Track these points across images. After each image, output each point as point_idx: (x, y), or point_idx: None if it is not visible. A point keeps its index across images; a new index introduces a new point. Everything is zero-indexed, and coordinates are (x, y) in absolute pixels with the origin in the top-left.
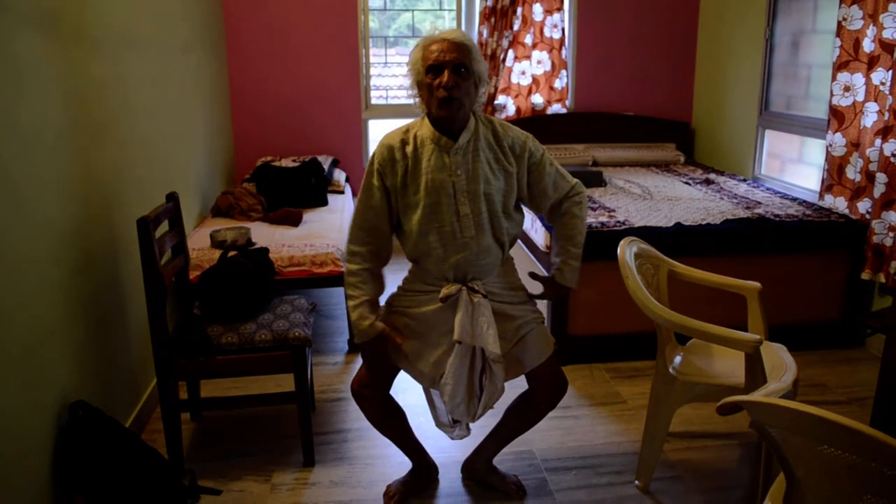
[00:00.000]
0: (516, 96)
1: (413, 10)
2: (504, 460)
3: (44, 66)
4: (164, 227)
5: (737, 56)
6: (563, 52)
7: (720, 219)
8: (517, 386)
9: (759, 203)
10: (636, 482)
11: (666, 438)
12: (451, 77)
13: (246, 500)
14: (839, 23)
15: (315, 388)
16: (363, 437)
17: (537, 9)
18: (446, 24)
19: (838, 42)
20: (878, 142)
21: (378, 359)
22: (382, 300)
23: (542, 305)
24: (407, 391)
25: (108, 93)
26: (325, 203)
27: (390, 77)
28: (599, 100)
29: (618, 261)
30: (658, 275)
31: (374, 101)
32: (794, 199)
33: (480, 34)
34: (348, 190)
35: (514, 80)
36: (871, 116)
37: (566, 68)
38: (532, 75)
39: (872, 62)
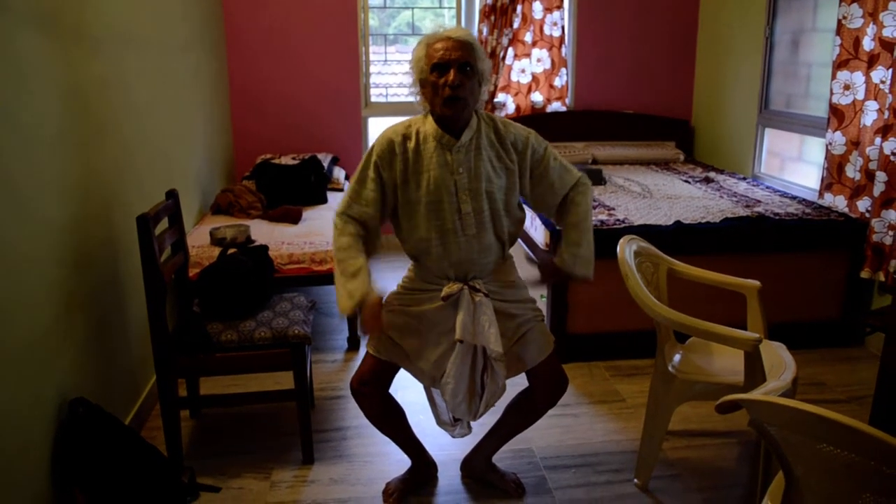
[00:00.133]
0: (516, 94)
1: (413, 8)
2: (503, 458)
3: (44, 64)
4: (164, 224)
5: (737, 54)
6: (563, 50)
7: (720, 217)
8: (517, 384)
9: (759, 201)
10: (635, 480)
11: (665, 437)
12: (456, 76)
13: (245, 497)
14: (839, 21)
15: (314, 385)
16: (362, 435)
17: (537, 7)
18: (446, 21)
19: (838, 40)
20: (877, 140)
21: (376, 316)
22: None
23: (542, 304)
24: (406, 389)
25: (108, 91)
26: (324, 201)
27: (390, 75)
28: (599, 98)
29: (617, 259)
30: (657, 273)
31: (373, 99)
32: (793, 198)
33: (480, 32)
34: (348, 188)
35: (514, 78)
36: (870, 115)
37: (566, 66)
38: (532, 73)
39: (872, 61)
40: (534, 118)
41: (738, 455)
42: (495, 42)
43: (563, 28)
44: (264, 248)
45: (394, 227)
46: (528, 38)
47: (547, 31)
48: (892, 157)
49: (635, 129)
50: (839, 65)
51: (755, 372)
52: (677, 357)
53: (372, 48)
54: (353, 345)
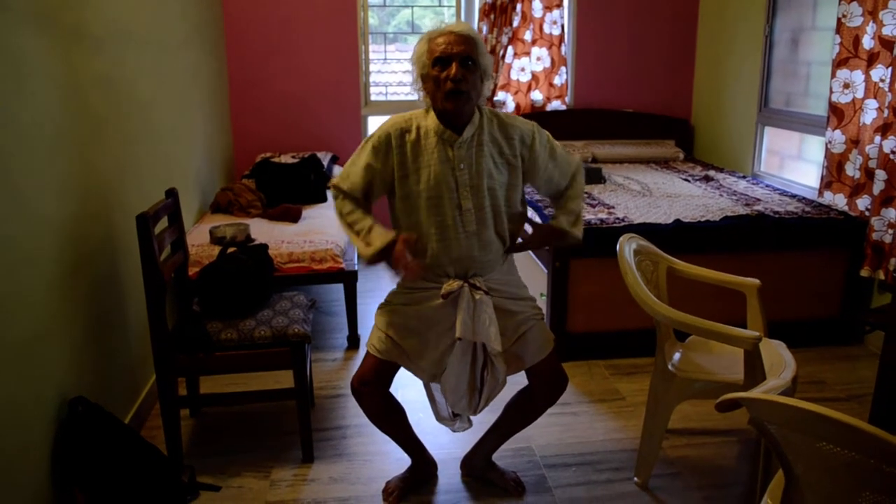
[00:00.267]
0: (516, 93)
1: (412, 7)
2: (503, 457)
3: (43, 63)
4: (164, 223)
5: (736, 53)
6: (563, 48)
7: (719, 215)
8: (516, 382)
9: (759, 200)
10: (635, 479)
11: (665, 435)
12: (458, 70)
13: (245, 496)
14: (839, 19)
15: (314, 384)
16: (362, 434)
17: (537, 5)
18: (445, 20)
19: (838, 39)
20: (877, 139)
21: (403, 255)
22: (381, 299)
23: (542, 303)
24: (406, 387)
25: (107, 90)
26: (324, 199)
27: (389, 73)
28: (599, 96)
29: (617, 257)
30: (657, 271)
31: (373, 98)
32: (793, 196)
33: (480, 30)
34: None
35: (514, 76)
36: (870, 113)
37: (566, 65)
38: (531, 72)
39: (872, 59)
40: (533, 117)
41: (738, 453)
42: (495, 40)
43: (562, 26)
44: (264, 246)
45: (392, 223)
46: (527, 36)
47: (546, 29)
48: (891, 156)
49: (635, 127)
50: (839, 63)
51: (755, 370)
52: (677, 355)
53: (371, 47)
54: (353, 343)
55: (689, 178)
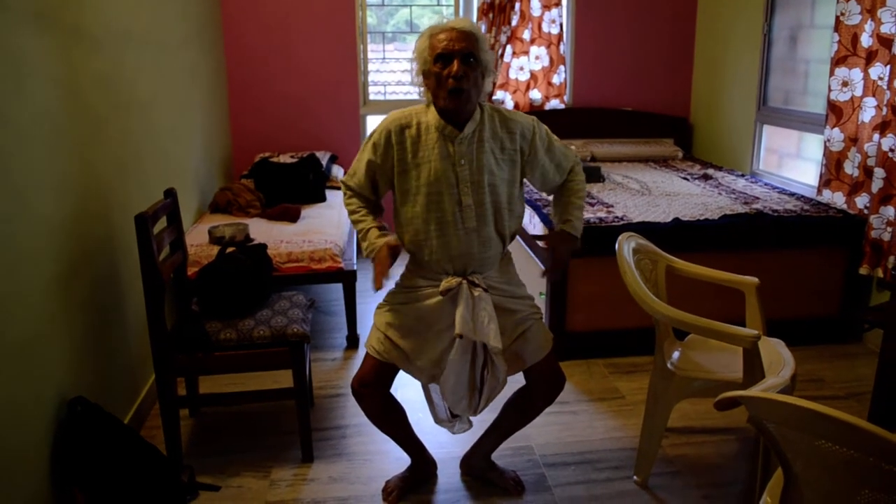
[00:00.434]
0: (514, 92)
1: (411, 6)
2: (502, 456)
3: (42, 62)
4: (163, 223)
5: (735, 51)
6: (562, 47)
7: (718, 214)
8: (515, 381)
9: (757, 198)
10: (634, 477)
11: (664, 434)
12: (460, 66)
13: (244, 495)
14: (837, 18)
15: (313, 384)
16: (362, 433)
17: (535, 4)
18: (444, 19)
19: (836, 37)
20: (876, 137)
21: (382, 261)
22: (380, 298)
23: (541, 302)
24: (406, 387)
25: (106, 90)
26: (323, 199)
27: (388, 73)
28: (598, 95)
29: (616, 256)
30: (656, 270)
31: (372, 97)
32: (792, 195)
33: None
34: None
35: (513, 75)
36: (869, 111)
37: (564, 64)
38: (530, 71)
39: (870, 57)
40: (532, 115)
41: (737, 452)
42: (493, 39)
43: (561, 25)
44: (263, 246)
45: (394, 218)
46: (526, 35)
47: (545, 28)
48: (890, 154)
49: (634, 126)
50: (837, 61)
51: (754, 368)
52: (676, 354)
53: (370, 46)
54: (353, 343)
55: (688, 177)
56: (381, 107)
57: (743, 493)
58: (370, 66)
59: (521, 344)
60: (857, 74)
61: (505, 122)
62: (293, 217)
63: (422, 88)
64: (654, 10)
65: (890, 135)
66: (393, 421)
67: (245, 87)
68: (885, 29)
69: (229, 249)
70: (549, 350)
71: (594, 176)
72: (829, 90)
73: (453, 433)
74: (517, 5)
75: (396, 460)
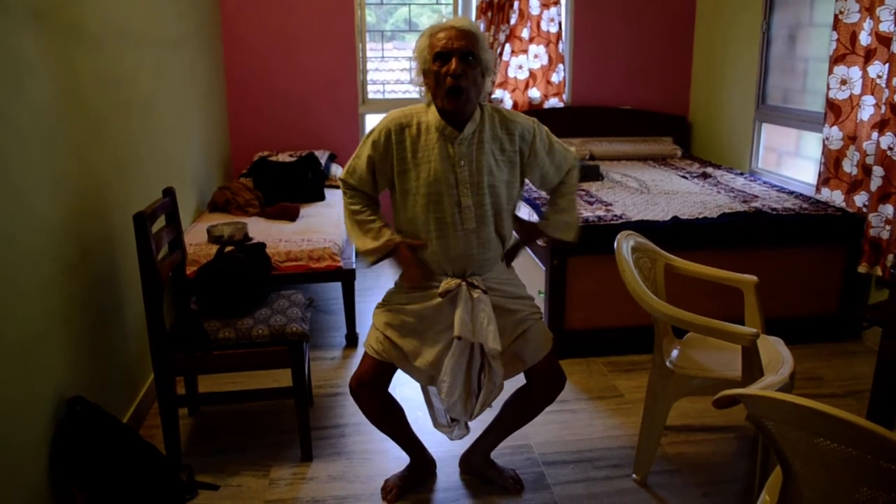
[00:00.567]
0: (513, 90)
1: (410, 5)
2: (502, 454)
3: (41, 62)
4: (161, 222)
5: (734, 49)
6: (560, 45)
7: (717, 212)
8: (515, 381)
9: (756, 196)
10: (633, 476)
11: (663, 432)
12: (458, 65)
13: (244, 494)
14: (836, 16)
15: (312, 383)
16: (361, 432)
17: (534, 3)
18: (443, 17)
19: (835, 35)
20: (874, 135)
21: (412, 258)
22: (379, 297)
23: (540, 301)
24: (405, 385)
25: (105, 89)
26: (322, 198)
27: (387, 72)
28: (596, 94)
29: (615, 255)
30: (655, 268)
31: (371, 96)
32: (790, 193)
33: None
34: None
35: (511, 74)
36: (867, 110)
37: (563, 62)
38: (529, 69)
39: (869, 55)
40: (531, 114)
41: (735, 450)
42: (492, 38)
43: (560, 24)
44: (262, 245)
45: (393, 218)
46: (525, 34)
47: (544, 26)
48: (888, 152)
49: (633, 124)
50: (836, 60)
51: (753, 367)
52: (675, 352)
53: (369, 45)
54: (352, 342)
55: (687, 175)
56: (380, 105)
57: (742, 491)
58: (369, 65)
59: (520, 344)
60: (855, 73)
61: (505, 124)
62: (292, 216)
63: (422, 88)
64: (652, 8)
65: (888, 133)
66: (391, 420)
67: (244, 85)
68: (883, 27)
69: (228, 248)
70: (549, 350)
71: (593, 174)
72: (828, 88)
73: (451, 439)
74: (516, 4)
75: (395, 459)
